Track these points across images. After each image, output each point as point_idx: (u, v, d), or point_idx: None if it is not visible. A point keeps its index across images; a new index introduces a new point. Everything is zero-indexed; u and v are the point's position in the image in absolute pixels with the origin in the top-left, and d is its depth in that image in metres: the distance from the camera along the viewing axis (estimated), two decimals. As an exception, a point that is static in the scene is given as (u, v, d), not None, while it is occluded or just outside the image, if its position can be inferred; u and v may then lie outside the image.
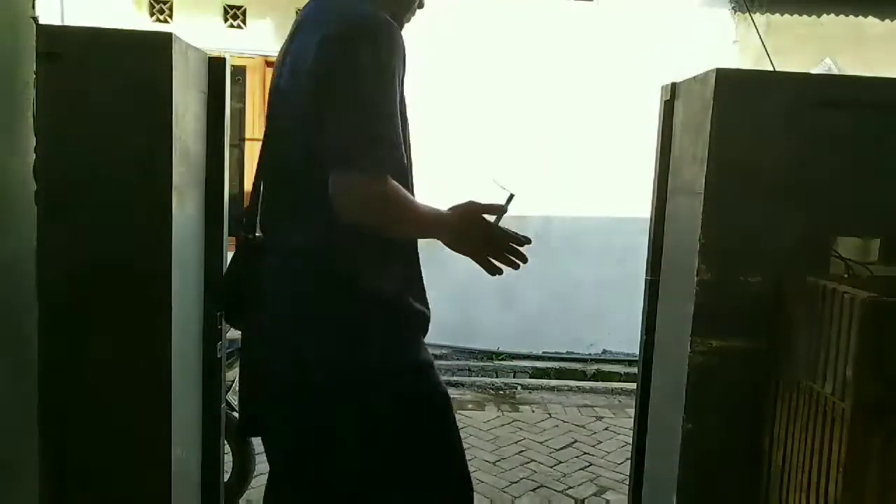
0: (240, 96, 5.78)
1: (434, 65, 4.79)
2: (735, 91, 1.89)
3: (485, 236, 1.43)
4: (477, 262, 1.45)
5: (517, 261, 1.45)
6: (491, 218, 1.45)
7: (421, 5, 1.55)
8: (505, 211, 1.45)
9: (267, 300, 1.43)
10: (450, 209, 1.44)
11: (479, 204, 1.43)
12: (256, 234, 1.57)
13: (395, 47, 1.31)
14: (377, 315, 1.38)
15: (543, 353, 5.38)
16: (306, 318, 1.38)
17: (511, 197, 1.47)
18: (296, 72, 1.38)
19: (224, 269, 2.06)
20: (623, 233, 5.27)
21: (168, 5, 5.81)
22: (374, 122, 1.29)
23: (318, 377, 1.35)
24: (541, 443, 3.89)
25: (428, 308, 1.50)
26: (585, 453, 3.77)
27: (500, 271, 1.46)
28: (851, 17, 5.27)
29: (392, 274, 1.42)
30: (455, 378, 4.83)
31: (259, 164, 1.59)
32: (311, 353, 1.36)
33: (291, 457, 1.45)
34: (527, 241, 1.44)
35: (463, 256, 1.49)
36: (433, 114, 4.63)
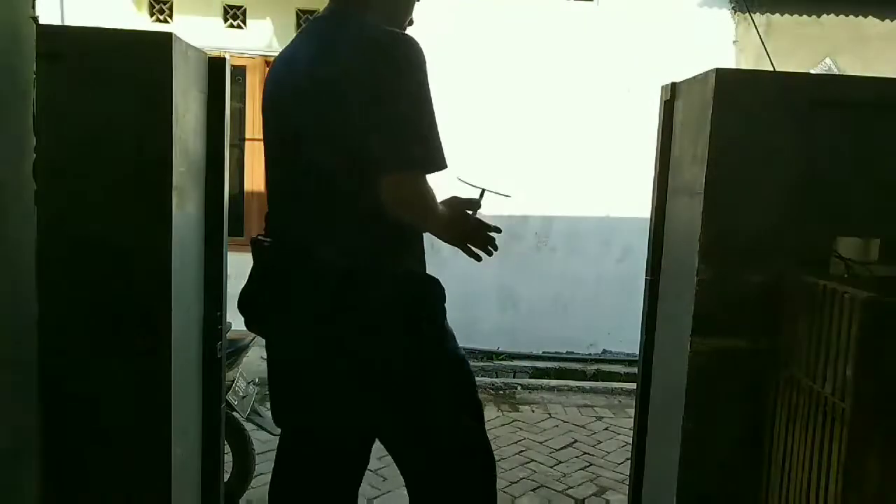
0: (240, 96, 5.79)
1: (434, 65, 4.78)
2: (735, 91, 1.88)
3: (470, 227, 1.68)
4: (461, 249, 1.70)
5: (490, 248, 1.70)
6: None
7: (411, 23, 1.68)
8: (479, 206, 1.71)
9: (317, 302, 1.49)
10: (440, 203, 1.62)
11: (460, 199, 1.69)
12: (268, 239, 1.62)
13: (424, 58, 1.47)
14: (430, 298, 1.56)
15: (543, 353, 5.38)
16: (370, 311, 1.48)
17: (483, 192, 1.74)
18: (327, 84, 1.45)
19: (224, 269, 2.07)
20: (623, 233, 5.28)
21: (168, 5, 5.81)
22: (424, 127, 1.45)
23: (398, 362, 1.51)
24: (541, 443, 3.89)
25: None
26: (585, 453, 3.77)
27: (480, 258, 1.72)
28: (851, 17, 5.27)
29: (422, 262, 1.61)
30: (455, 378, 4.83)
31: (273, 172, 1.63)
32: (385, 342, 1.49)
33: (358, 431, 1.64)
34: (497, 230, 1.71)
35: (462, 257, 1.69)
36: (433, 114, 4.62)
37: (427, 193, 1.48)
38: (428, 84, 1.45)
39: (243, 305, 1.64)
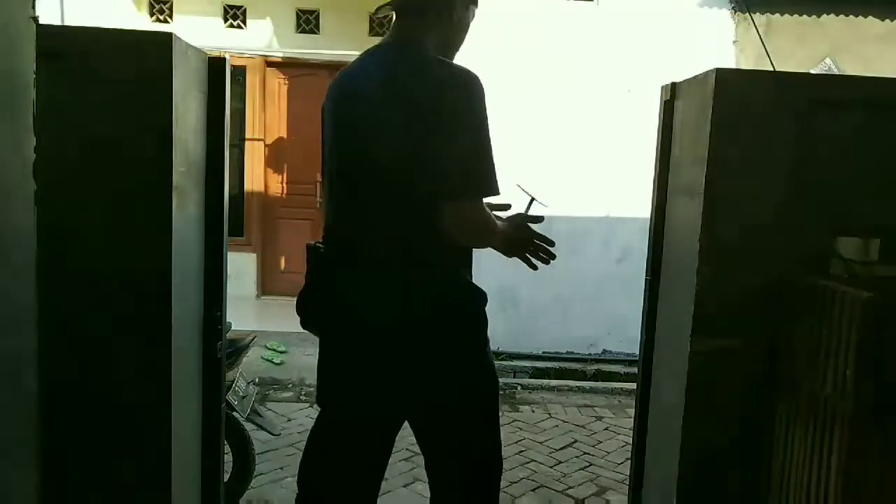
0: (240, 96, 5.78)
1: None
2: (735, 91, 1.89)
3: (531, 241, 1.80)
4: (522, 260, 1.82)
5: (548, 257, 1.82)
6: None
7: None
8: (538, 219, 1.81)
9: (379, 306, 1.62)
10: (503, 221, 1.76)
11: (524, 215, 1.82)
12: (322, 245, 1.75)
13: (484, 92, 1.60)
14: (480, 306, 1.71)
15: (543, 353, 5.37)
16: (435, 316, 1.62)
17: (532, 200, 1.83)
18: (400, 111, 1.56)
19: (224, 269, 2.07)
20: (623, 233, 5.28)
21: (168, 5, 5.82)
22: (488, 156, 1.58)
23: (453, 364, 1.66)
24: (541, 443, 3.89)
25: None
26: (585, 453, 3.77)
27: (536, 267, 1.83)
28: (851, 17, 5.27)
29: (471, 273, 1.74)
30: (455, 378, 4.82)
31: (336, 184, 1.73)
32: (444, 345, 1.65)
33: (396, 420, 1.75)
34: (552, 243, 1.83)
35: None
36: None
37: (485, 213, 1.63)
38: (487, 116, 1.59)
39: (303, 307, 1.74)
